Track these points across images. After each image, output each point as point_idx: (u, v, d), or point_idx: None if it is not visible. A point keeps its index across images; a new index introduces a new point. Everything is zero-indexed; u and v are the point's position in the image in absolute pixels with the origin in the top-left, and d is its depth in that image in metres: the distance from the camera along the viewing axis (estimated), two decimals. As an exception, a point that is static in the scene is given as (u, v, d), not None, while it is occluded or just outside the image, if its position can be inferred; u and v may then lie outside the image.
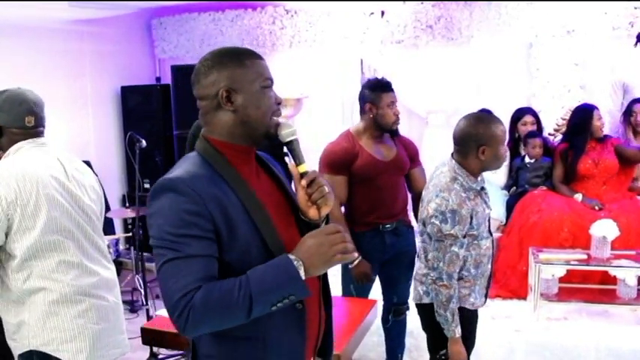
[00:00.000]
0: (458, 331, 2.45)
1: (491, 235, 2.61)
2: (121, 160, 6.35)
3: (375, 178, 3.12)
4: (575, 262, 3.98)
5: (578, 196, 4.43)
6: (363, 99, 3.16)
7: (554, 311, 4.08)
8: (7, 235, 2.06)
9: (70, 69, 5.65)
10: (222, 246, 1.43)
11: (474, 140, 2.40)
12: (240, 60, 1.51)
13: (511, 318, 3.99)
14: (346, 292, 3.29)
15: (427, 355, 3.63)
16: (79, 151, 5.56)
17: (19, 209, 2.04)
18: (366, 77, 5.95)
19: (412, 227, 3.36)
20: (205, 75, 1.50)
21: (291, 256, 1.40)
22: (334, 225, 1.46)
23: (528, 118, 4.87)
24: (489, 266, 2.59)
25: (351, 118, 5.95)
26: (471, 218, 2.39)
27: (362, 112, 3.19)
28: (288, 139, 1.55)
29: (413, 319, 3.51)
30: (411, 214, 3.39)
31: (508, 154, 4.86)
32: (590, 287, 4.15)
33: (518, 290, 4.30)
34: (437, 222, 2.38)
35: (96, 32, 5.88)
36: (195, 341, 1.57)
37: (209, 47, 6.27)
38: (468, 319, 2.59)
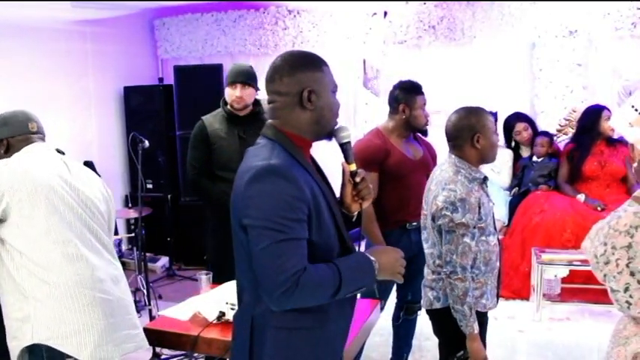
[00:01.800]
0: (476, 327, 2.41)
1: (496, 231, 2.61)
2: (124, 161, 6.36)
3: (405, 176, 3.17)
4: (578, 263, 3.97)
5: (581, 197, 4.43)
6: (396, 100, 3.22)
7: (556, 312, 4.08)
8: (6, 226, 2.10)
9: (72, 69, 5.66)
10: (311, 228, 1.60)
11: (467, 130, 2.45)
12: (319, 65, 1.70)
13: (514, 318, 3.99)
14: (368, 292, 3.27)
15: (429, 356, 3.64)
16: (82, 151, 5.58)
17: (17, 202, 2.08)
18: (369, 77, 5.95)
19: None
20: (289, 74, 1.65)
21: (372, 258, 1.67)
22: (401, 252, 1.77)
23: (519, 126, 4.88)
24: (498, 264, 2.58)
25: (353, 119, 5.95)
26: (479, 208, 2.41)
27: (393, 112, 3.24)
28: (344, 141, 1.74)
29: (417, 320, 3.52)
30: None
31: (512, 155, 4.94)
32: (592, 288, 4.13)
33: (520, 291, 4.31)
34: (448, 213, 2.38)
35: (99, 32, 5.89)
36: (259, 316, 1.67)
37: (212, 48, 6.29)
38: (481, 323, 2.52)
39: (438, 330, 2.67)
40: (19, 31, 4.98)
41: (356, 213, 1.80)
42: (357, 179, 1.75)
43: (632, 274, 1.70)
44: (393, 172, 3.14)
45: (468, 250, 2.39)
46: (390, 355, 3.60)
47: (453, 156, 2.51)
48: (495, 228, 2.62)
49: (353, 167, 1.77)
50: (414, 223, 3.20)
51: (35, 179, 2.13)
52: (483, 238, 2.45)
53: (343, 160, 1.77)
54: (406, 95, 3.19)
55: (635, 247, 1.68)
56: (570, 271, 4.04)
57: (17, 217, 2.09)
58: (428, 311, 2.64)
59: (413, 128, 3.23)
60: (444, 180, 2.45)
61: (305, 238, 1.56)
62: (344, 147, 1.75)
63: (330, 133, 1.73)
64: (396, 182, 3.15)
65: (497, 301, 2.65)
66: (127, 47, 6.31)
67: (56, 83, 5.34)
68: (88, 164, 5.66)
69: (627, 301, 1.74)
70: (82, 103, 5.81)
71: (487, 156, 2.51)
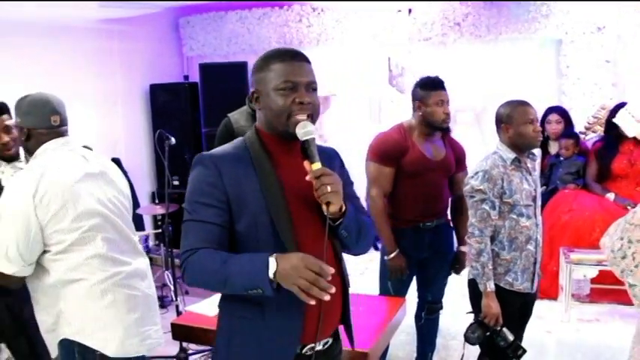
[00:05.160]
0: (489, 286, 2.65)
1: (535, 217, 2.74)
2: (151, 158, 6.42)
3: (422, 175, 3.11)
4: (608, 263, 3.90)
5: (611, 196, 4.36)
6: (414, 97, 3.16)
7: (585, 312, 4.03)
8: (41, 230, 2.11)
9: (100, 67, 5.72)
10: (233, 216, 1.64)
11: (499, 119, 2.76)
12: (267, 64, 1.68)
13: (542, 319, 3.93)
14: (384, 290, 3.28)
15: (456, 355, 3.62)
16: (109, 148, 5.64)
17: (45, 210, 2.08)
18: (394, 75, 5.93)
19: (452, 228, 3.35)
20: (251, 78, 1.73)
21: (272, 258, 1.51)
22: (319, 264, 1.48)
23: (553, 117, 4.79)
24: (531, 249, 2.72)
25: (378, 116, 5.94)
26: (503, 182, 2.64)
27: (413, 110, 3.18)
28: (303, 139, 1.64)
29: (443, 319, 3.50)
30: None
31: (540, 151, 4.87)
32: (622, 288, 4.00)
33: (548, 290, 4.24)
34: (471, 181, 2.69)
35: (125, 31, 5.95)
36: (220, 301, 1.80)
37: (236, 45, 6.32)
38: (505, 300, 2.67)
39: (471, 298, 2.83)
40: (49, 30, 5.06)
41: (341, 215, 1.64)
42: (307, 178, 1.60)
43: None
44: (409, 169, 3.09)
45: (487, 217, 2.65)
46: (415, 354, 3.59)
47: (498, 141, 2.78)
48: (536, 215, 2.75)
49: (315, 166, 1.61)
50: (428, 224, 3.18)
51: (63, 185, 2.13)
52: (514, 216, 2.67)
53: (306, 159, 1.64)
54: (421, 92, 3.11)
55: None
56: (600, 271, 3.97)
57: (50, 222, 2.10)
58: (468, 280, 2.83)
59: (432, 126, 3.12)
60: (482, 159, 2.76)
61: (211, 222, 1.61)
62: (303, 145, 1.64)
63: (288, 132, 1.65)
64: (412, 180, 3.10)
65: (533, 287, 2.79)
66: (153, 45, 6.37)
67: (84, 81, 5.40)
68: (115, 161, 5.72)
69: None
70: (109, 100, 5.88)
71: (517, 144, 2.70)
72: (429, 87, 3.11)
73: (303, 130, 1.63)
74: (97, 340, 2.15)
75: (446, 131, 3.22)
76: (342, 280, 1.79)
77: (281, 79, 1.64)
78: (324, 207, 1.59)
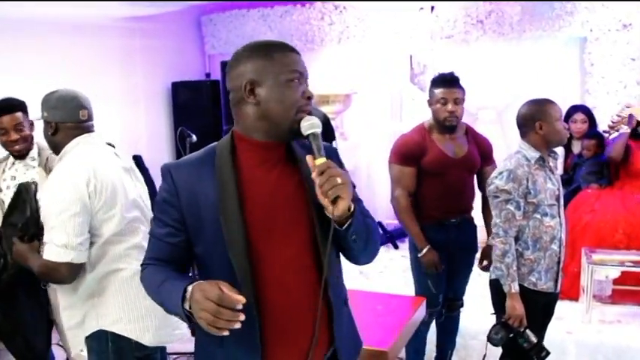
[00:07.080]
0: (514, 287, 2.62)
1: (559, 217, 2.71)
2: (172, 155, 6.47)
3: (443, 173, 3.11)
4: (630, 264, 3.86)
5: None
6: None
7: (607, 314, 3.98)
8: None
9: (122, 65, 5.78)
10: (191, 238, 1.54)
11: (531, 118, 2.67)
12: (267, 52, 1.48)
13: (562, 319, 3.88)
14: (422, 289, 3.25)
15: (475, 355, 3.61)
16: (131, 145, 5.69)
17: (98, 198, 2.13)
18: (415, 73, 5.90)
19: (475, 225, 3.33)
20: (234, 67, 1.52)
21: (190, 287, 1.38)
22: (217, 293, 1.32)
23: (578, 116, 4.75)
24: (555, 248, 2.69)
25: (399, 114, 5.92)
26: (527, 182, 2.60)
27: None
28: (308, 132, 1.47)
29: (463, 319, 3.48)
30: (477, 212, 3.34)
31: (563, 150, 4.82)
32: (645, 290, 4.03)
33: (569, 291, 4.19)
34: (495, 181, 2.65)
35: (148, 29, 6.00)
36: None
37: (258, 43, 6.33)
38: (529, 300, 2.65)
39: (493, 299, 2.80)
40: (72, 28, 5.12)
41: (349, 219, 1.46)
42: (314, 174, 1.41)
43: None
44: (429, 169, 3.11)
45: (512, 218, 2.61)
46: (434, 353, 3.57)
47: (520, 141, 2.73)
48: (560, 214, 2.72)
49: (319, 162, 1.43)
50: (453, 220, 3.18)
51: (111, 175, 2.18)
52: (537, 215, 2.64)
53: (309, 155, 1.47)
54: (429, 90, 3.15)
55: None
56: (622, 272, 3.92)
57: (100, 211, 2.14)
58: (490, 281, 2.80)
59: (439, 125, 3.12)
60: (505, 159, 2.75)
61: (163, 241, 1.56)
62: (309, 139, 1.48)
63: (292, 129, 1.48)
64: (434, 179, 3.12)
65: (557, 287, 2.76)
66: (175, 43, 6.42)
67: (106, 79, 5.46)
68: (137, 159, 5.79)
69: None
70: (131, 98, 5.94)
71: (552, 140, 2.67)
72: (434, 84, 3.14)
73: (308, 123, 1.47)
74: (135, 330, 2.19)
75: (451, 131, 3.14)
76: (327, 304, 1.57)
77: (291, 68, 1.48)
78: (329, 207, 1.40)
